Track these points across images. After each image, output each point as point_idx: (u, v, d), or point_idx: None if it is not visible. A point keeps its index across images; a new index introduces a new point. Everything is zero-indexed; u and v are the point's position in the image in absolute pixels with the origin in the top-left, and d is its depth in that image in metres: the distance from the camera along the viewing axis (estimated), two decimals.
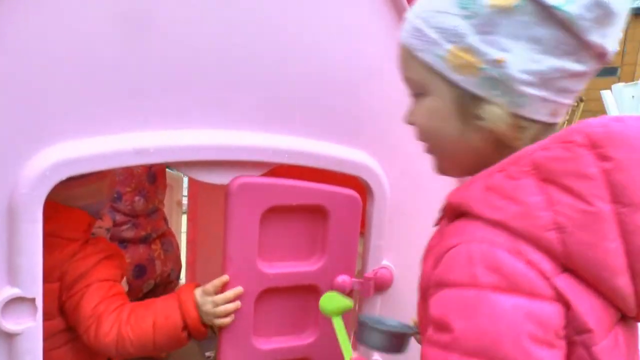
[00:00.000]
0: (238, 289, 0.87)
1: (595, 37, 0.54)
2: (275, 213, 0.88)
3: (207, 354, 1.76)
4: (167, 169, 1.68)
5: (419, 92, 0.63)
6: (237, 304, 0.87)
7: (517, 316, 0.50)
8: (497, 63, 0.55)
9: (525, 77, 0.55)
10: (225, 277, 0.87)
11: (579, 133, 0.53)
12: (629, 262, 0.53)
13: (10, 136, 0.72)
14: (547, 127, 0.59)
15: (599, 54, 0.56)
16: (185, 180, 2.45)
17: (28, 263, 0.74)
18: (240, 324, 0.89)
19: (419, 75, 0.61)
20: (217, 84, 0.84)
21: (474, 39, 0.56)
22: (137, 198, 1.46)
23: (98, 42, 0.76)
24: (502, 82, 0.56)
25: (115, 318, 0.90)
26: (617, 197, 0.52)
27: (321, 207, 0.91)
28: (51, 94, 0.74)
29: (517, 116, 0.57)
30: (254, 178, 0.86)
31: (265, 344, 0.92)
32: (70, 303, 0.92)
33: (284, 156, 0.88)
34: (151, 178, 1.51)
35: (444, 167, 0.67)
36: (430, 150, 0.66)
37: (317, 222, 0.92)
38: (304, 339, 0.95)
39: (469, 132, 0.60)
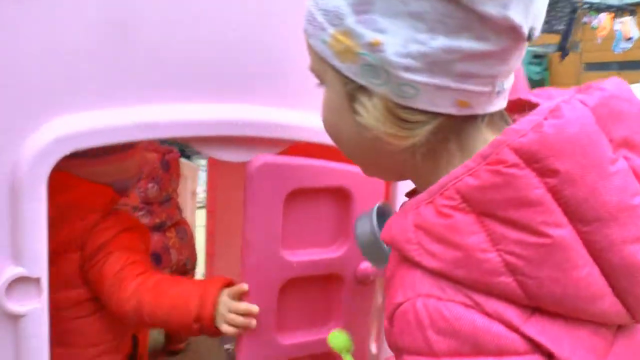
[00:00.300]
0: (254, 307, 0.81)
1: (491, 8, 0.43)
2: (298, 196, 0.82)
3: (227, 346, 1.73)
4: (181, 159, 1.65)
5: (320, 83, 0.54)
6: (251, 322, 0.81)
7: None
8: (373, 46, 0.46)
9: (406, 61, 0.45)
10: (245, 287, 0.81)
11: (507, 148, 0.43)
12: (610, 282, 0.44)
13: (10, 111, 0.68)
14: (462, 121, 0.48)
15: (508, 29, 0.44)
16: (203, 174, 2.43)
17: (32, 241, 0.70)
18: (262, 316, 0.83)
19: (314, 64, 0.53)
20: (231, 57, 0.79)
21: (351, 20, 0.47)
22: (150, 185, 1.43)
23: (101, 15, 0.71)
24: (382, 69, 0.46)
25: (138, 284, 0.87)
26: (576, 216, 0.42)
27: (345, 190, 0.85)
28: (53, 67, 0.69)
29: (406, 109, 0.47)
30: (277, 157, 0.81)
31: (287, 338, 0.86)
32: (92, 273, 0.90)
33: (304, 133, 0.82)
34: (165, 166, 1.48)
35: (364, 170, 0.58)
36: (339, 148, 0.57)
37: (340, 206, 0.86)
38: (326, 333, 0.89)
39: (363, 129, 0.50)
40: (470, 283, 0.44)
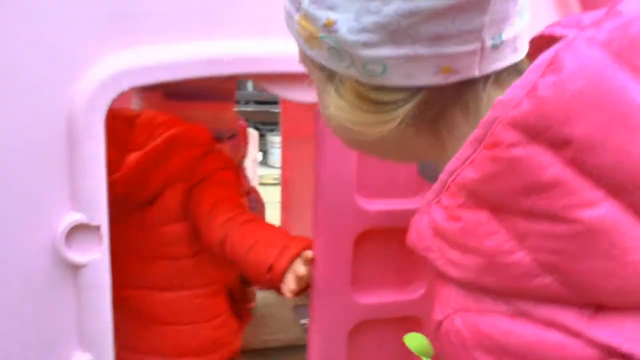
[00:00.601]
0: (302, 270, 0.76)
1: None
2: None
3: (302, 321, 1.69)
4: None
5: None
6: (293, 288, 0.77)
7: None
8: (329, 27, 0.41)
9: (362, 36, 0.39)
10: (309, 254, 0.76)
11: (500, 125, 0.35)
12: None
13: (66, 47, 0.64)
14: (456, 89, 0.41)
15: None
16: (277, 151, 2.39)
17: (91, 184, 0.66)
18: (336, 270, 0.75)
19: (299, 56, 0.48)
20: None
21: (306, 2, 0.42)
22: None
23: None
24: (344, 51, 0.41)
25: (230, 217, 0.87)
26: (614, 187, 0.34)
27: None
28: (110, 2, 0.65)
29: (379, 90, 0.41)
30: None
31: (364, 297, 0.78)
32: (192, 203, 0.91)
33: None
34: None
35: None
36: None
37: None
38: (410, 294, 0.80)
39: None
40: (504, 291, 0.37)
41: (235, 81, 1.05)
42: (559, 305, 0.36)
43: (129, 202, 0.87)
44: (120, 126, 0.90)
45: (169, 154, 0.88)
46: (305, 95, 0.73)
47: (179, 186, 0.90)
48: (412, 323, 0.80)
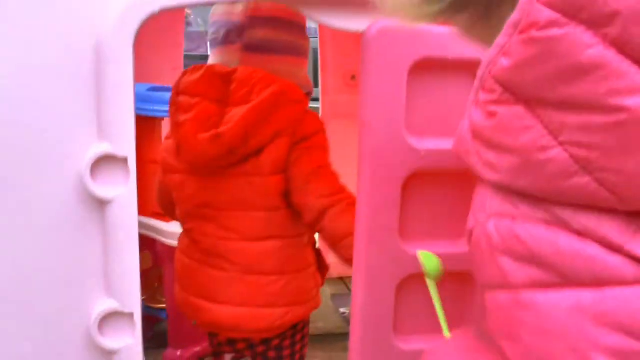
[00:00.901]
0: None
1: None
2: (425, 70, 0.66)
3: (342, 310, 1.65)
4: None
5: None
6: None
7: (583, 324, 0.33)
8: None
9: None
10: None
11: (537, 4, 0.33)
12: None
13: None
14: None
15: None
16: None
17: (118, 113, 0.61)
18: (383, 219, 0.69)
19: None
20: None
21: None
22: None
23: None
24: None
25: (335, 191, 0.91)
26: None
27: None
28: None
29: None
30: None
31: (414, 248, 0.70)
32: (293, 158, 0.93)
33: None
34: None
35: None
36: None
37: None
38: (464, 247, 0.71)
39: None
40: (540, 193, 0.35)
41: (308, 38, 1.03)
42: (601, 214, 0.33)
43: (234, 155, 0.89)
44: (217, 82, 0.91)
45: (276, 107, 0.89)
46: (348, 22, 0.67)
47: (284, 139, 0.91)
48: (465, 279, 0.72)
